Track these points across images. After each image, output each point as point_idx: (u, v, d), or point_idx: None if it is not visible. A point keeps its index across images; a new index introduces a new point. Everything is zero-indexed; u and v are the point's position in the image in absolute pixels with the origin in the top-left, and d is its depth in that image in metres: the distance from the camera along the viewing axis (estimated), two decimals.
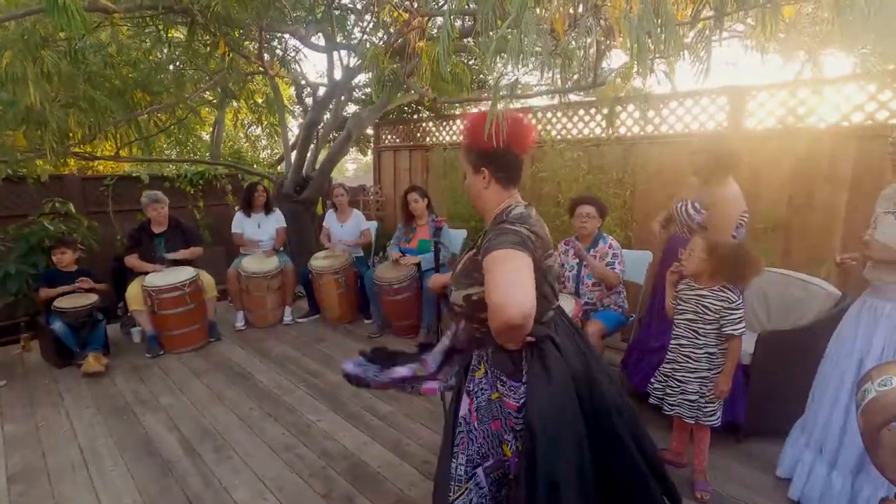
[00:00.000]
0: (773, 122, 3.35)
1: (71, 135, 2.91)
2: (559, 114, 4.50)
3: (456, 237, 4.22)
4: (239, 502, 2.11)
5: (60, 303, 3.40)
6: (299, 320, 4.44)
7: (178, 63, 3.45)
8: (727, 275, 1.99)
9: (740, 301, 1.98)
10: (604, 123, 4.22)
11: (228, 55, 3.05)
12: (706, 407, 2.05)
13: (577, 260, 3.00)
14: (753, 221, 3.27)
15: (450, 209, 5.08)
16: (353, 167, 20.57)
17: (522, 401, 1.34)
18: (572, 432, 1.29)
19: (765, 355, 2.38)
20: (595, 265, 2.88)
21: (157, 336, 3.72)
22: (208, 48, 3.20)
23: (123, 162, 4.88)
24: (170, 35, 3.18)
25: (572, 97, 4.28)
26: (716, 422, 2.07)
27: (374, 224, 4.98)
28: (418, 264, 3.89)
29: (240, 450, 2.49)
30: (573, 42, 1.03)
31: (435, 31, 3.92)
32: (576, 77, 2.19)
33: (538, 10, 0.97)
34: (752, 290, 2.92)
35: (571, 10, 1.14)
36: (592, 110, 4.32)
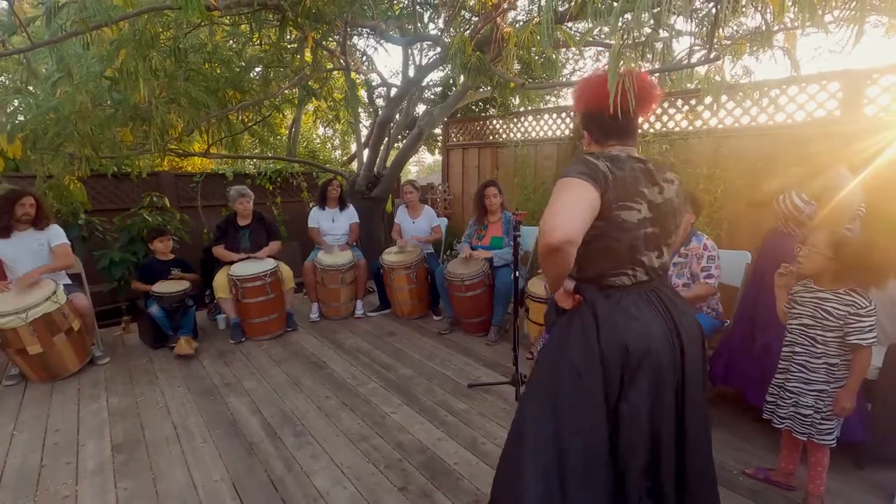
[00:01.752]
0: None
1: (171, 130, 3.13)
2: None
3: (527, 234, 4.10)
4: (319, 488, 2.13)
5: (158, 288, 3.65)
6: (370, 314, 4.51)
7: (265, 62, 3.61)
8: (857, 276, 1.74)
9: (871, 307, 1.73)
10: (690, 115, 3.95)
11: (316, 51, 3.15)
12: (821, 424, 1.82)
13: None
14: (876, 220, 2.91)
15: (520, 206, 4.97)
16: (416, 169, 20.86)
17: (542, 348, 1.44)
18: (570, 402, 1.29)
19: (895, 370, 2.09)
20: (687, 298, 2.67)
21: (240, 323, 3.91)
22: (294, 45, 3.33)
23: (212, 159, 5.20)
24: (260, 34, 3.33)
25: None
26: (832, 442, 1.83)
27: (444, 220, 4.96)
28: (490, 260, 3.81)
29: (318, 436, 2.53)
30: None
31: (510, 22, 3.84)
32: (682, 54, 2.02)
33: None
34: (877, 295, 2.60)
35: None
36: (679, 101, 4.06)
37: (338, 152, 9.34)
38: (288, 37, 3.20)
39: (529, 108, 6.25)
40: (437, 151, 7.94)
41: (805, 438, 1.86)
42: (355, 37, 4.22)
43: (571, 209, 1.17)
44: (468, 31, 2.75)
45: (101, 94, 2.78)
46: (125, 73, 2.20)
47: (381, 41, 4.38)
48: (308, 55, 3.22)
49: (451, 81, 5.18)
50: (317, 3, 2.45)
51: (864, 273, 1.74)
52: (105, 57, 2.52)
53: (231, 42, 3.60)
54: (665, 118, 4.16)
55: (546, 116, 5.19)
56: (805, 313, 1.84)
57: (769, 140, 3.51)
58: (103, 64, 2.63)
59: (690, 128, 3.94)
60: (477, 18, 2.81)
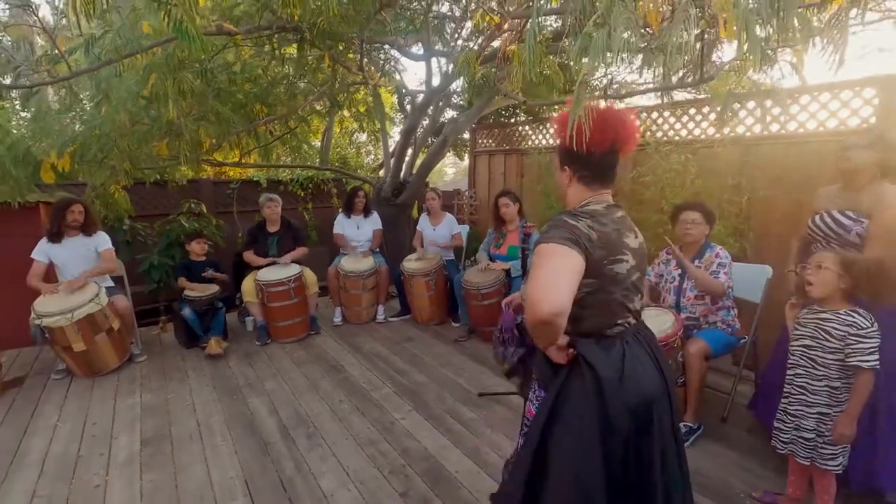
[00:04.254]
0: None
1: (202, 145, 3.33)
2: (666, 113, 4.17)
3: None
4: (325, 489, 2.23)
5: (189, 292, 3.88)
6: (391, 319, 4.61)
7: (290, 78, 3.79)
8: (869, 291, 1.67)
9: (873, 328, 1.65)
10: (717, 123, 3.84)
11: (334, 67, 3.28)
12: (824, 448, 1.76)
13: (678, 270, 2.75)
14: None
15: (543, 214, 4.95)
16: (453, 171, 20.93)
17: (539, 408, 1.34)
18: (578, 459, 1.22)
19: None
20: (695, 273, 2.62)
21: (266, 326, 4.09)
22: (315, 62, 3.48)
23: (246, 168, 5.46)
24: (283, 52, 3.49)
25: (679, 95, 3.95)
26: (836, 468, 1.76)
27: (465, 228, 5.01)
28: (508, 270, 3.83)
29: (328, 439, 2.64)
30: (671, 36, 0.93)
31: (523, 31, 3.85)
32: (682, 73, 2.00)
33: (629, 2, 0.89)
34: None
35: (668, 4, 1.04)
36: (705, 109, 3.94)
37: (370, 157, 9.57)
38: (309, 54, 3.34)
39: (556, 114, 6.20)
40: (466, 156, 7.99)
41: (808, 463, 1.81)
42: (374, 52, 4.35)
43: (556, 279, 1.13)
44: (476, 47, 2.80)
45: (138, 112, 3.00)
46: (154, 95, 2.38)
47: (400, 56, 4.50)
48: (320, 74, 3.37)
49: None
50: (332, 23, 2.57)
51: (877, 288, 1.67)
52: (140, 78, 2.73)
53: (263, 57, 3.77)
54: (691, 125, 4.05)
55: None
56: (806, 334, 1.79)
57: (798, 148, 3.37)
58: (140, 84, 2.84)
59: (717, 135, 3.83)
60: (489, 33, 2.85)
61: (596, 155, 1.31)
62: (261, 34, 2.79)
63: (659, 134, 4.27)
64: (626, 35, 0.90)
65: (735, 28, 0.89)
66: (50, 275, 3.55)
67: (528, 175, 5.60)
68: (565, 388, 1.27)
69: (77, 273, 3.48)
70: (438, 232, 4.61)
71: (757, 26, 0.85)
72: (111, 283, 3.80)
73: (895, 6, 3.62)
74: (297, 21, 2.54)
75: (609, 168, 1.34)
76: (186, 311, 3.81)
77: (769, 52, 1.59)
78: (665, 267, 2.85)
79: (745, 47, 0.88)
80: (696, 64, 1.84)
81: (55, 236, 3.48)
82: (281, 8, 2.24)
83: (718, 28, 0.99)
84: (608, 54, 0.93)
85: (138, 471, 2.40)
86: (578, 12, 1.20)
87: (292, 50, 3.67)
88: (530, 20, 1.37)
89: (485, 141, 6.55)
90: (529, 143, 5.72)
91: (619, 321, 1.29)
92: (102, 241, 3.67)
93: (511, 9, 2.02)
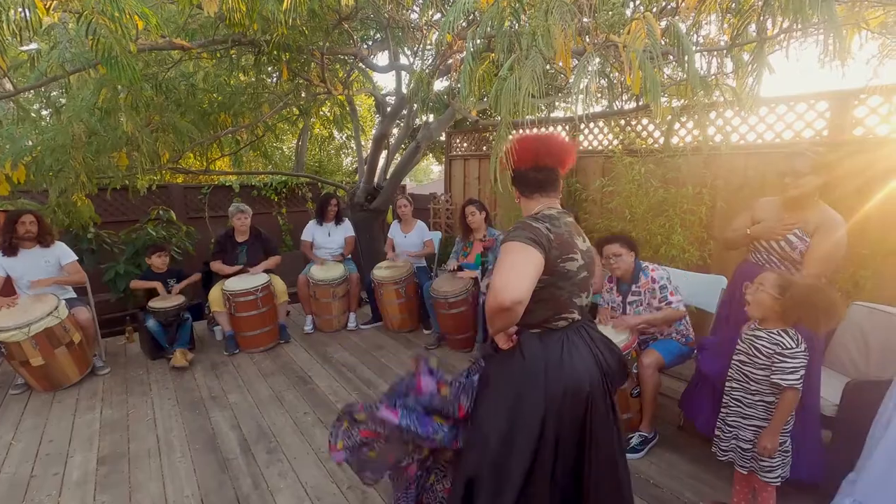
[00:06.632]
0: (888, 130, 2.89)
1: (160, 157, 3.29)
2: (632, 122, 4.22)
3: None
4: None
5: (154, 304, 3.83)
6: (362, 327, 4.61)
7: (254, 87, 3.75)
8: (798, 317, 1.73)
9: (798, 349, 1.72)
10: (681, 132, 3.90)
11: (294, 80, 3.26)
12: (762, 460, 1.82)
13: (619, 297, 2.78)
14: (859, 246, 2.85)
15: (513, 220, 4.98)
16: (438, 169, 20.90)
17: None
18: (489, 418, 1.44)
19: (853, 407, 2.05)
20: (654, 320, 2.64)
21: (234, 336, 4.05)
22: (277, 74, 3.46)
23: (213, 175, 5.39)
24: (244, 61, 3.45)
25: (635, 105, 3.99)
26: (775, 480, 1.82)
27: (437, 234, 5.02)
28: (476, 279, 3.86)
29: (289, 454, 2.63)
30: (577, 81, 0.95)
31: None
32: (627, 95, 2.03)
33: (544, 48, 0.91)
34: (849, 329, 2.54)
35: (580, 42, 1.06)
36: (668, 118, 4.00)
37: (349, 158, 9.51)
38: (266, 67, 3.31)
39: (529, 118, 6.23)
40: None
41: (746, 472, 1.87)
42: (337, 63, 4.32)
43: (519, 271, 1.30)
44: (428, 67, 2.81)
45: (94, 123, 2.95)
46: (104, 111, 2.35)
47: (365, 67, 4.48)
48: (285, 84, 3.34)
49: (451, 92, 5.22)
50: (292, 36, 2.55)
51: (805, 315, 1.73)
52: (94, 91, 2.68)
53: (225, 66, 3.72)
54: (657, 133, 4.11)
55: (542, 128, 5.18)
56: (743, 350, 1.86)
57: (756, 159, 3.45)
58: (96, 95, 2.79)
59: (681, 144, 3.89)
60: (443, 51, 2.86)
61: (523, 171, 1.52)
62: (216, 48, 2.76)
63: (626, 142, 4.32)
64: (536, 77, 0.92)
65: (641, 75, 0.91)
66: (8, 288, 3.48)
67: (502, 180, 5.62)
68: (497, 363, 1.50)
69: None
70: (409, 239, 4.61)
71: (656, 71, 0.88)
72: (72, 294, 3.73)
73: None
74: (253, 34, 2.52)
75: (543, 182, 1.51)
76: (151, 323, 3.76)
77: (709, 79, 1.63)
78: (609, 295, 2.87)
79: (648, 91, 0.91)
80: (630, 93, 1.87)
81: (9, 249, 3.39)
82: (230, 26, 2.22)
83: (627, 73, 1.02)
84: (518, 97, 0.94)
85: (92, 491, 2.37)
86: (505, 46, 1.21)
87: (250, 59, 3.63)
88: (466, 46, 1.38)
89: (460, 145, 6.56)
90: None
91: (564, 315, 1.45)
92: (65, 253, 3.59)
93: (458, 29, 2.03)
